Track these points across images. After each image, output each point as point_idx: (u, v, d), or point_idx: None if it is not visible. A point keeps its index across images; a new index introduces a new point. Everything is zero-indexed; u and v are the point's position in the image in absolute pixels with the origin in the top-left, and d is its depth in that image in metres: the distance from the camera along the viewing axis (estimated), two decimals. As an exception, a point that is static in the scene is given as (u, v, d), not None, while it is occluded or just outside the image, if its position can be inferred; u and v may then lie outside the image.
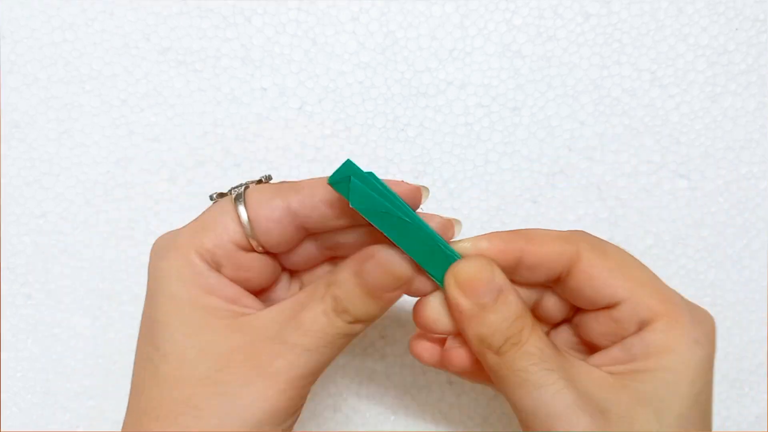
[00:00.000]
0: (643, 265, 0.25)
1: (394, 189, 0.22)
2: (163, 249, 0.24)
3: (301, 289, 0.27)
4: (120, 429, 0.24)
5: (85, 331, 0.35)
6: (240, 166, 0.35)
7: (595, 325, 0.25)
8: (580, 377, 0.23)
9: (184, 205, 0.35)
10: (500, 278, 0.23)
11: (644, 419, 0.22)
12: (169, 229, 0.35)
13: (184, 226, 0.25)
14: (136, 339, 0.35)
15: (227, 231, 0.23)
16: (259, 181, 0.25)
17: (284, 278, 0.27)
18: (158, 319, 0.23)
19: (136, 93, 0.35)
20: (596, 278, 0.24)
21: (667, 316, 0.23)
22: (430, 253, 0.23)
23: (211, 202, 0.25)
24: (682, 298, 0.25)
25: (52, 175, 0.35)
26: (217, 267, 0.24)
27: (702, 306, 0.25)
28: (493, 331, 0.23)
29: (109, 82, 0.35)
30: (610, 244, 0.25)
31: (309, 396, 0.35)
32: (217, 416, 0.21)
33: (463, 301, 0.23)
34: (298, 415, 0.24)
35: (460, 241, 0.24)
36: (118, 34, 0.35)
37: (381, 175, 0.35)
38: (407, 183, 0.24)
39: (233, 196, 0.24)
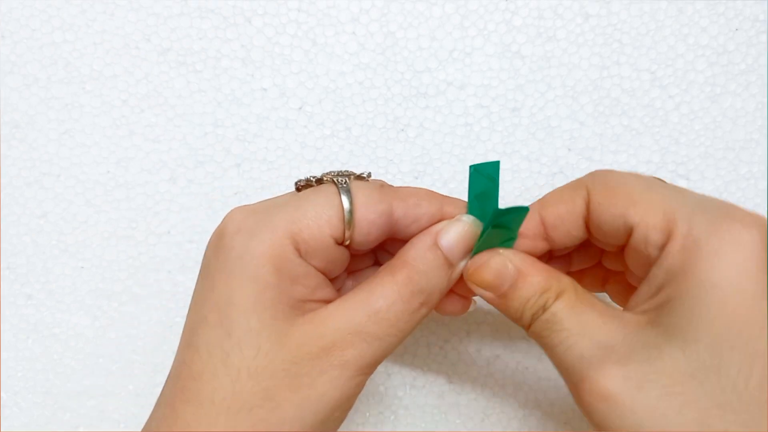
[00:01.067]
0: (657, 184, 0.23)
1: None
2: (253, 226, 0.23)
3: (348, 274, 0.28)
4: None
5: (85, 331, 0.35)
6: (240, 166, 0.35)
7: (629, 263, 0.24)
8: (603, 328, 0.22)
9: (184, 205, 0.35)
10: (513, 264, 0.24)
11: (669, 357, 0.20)
12: (169, 229, 0.36)
13: (273, 205, 0.24)
14: (136, 339, 0.35)
15: (330, 225, 0.23)
16: (359, 177, 0.25)
17: None
18: (234, 301, 0.22)
19: (137, 94, 0.35)
20: (604, 213, 0.23)
21: (681, 234, 0.21)
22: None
23: (303, 183, 0.25)
24: (713, 206, 0.21)
25: (53, 175, 0.35)
26: (306, 256, 0.23)
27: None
28: (518, 313, 0.24)
29: (110, 82, 0.35)
30: (620, 172, 0.24)
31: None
32: (293, 407, 0.22)
33: (485, 294, 0.24)
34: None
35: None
36: (119, 35, 0.35)
37: (381, 175, 0.35)
38: None
39: (339, 188, 0.23)
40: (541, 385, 0.35)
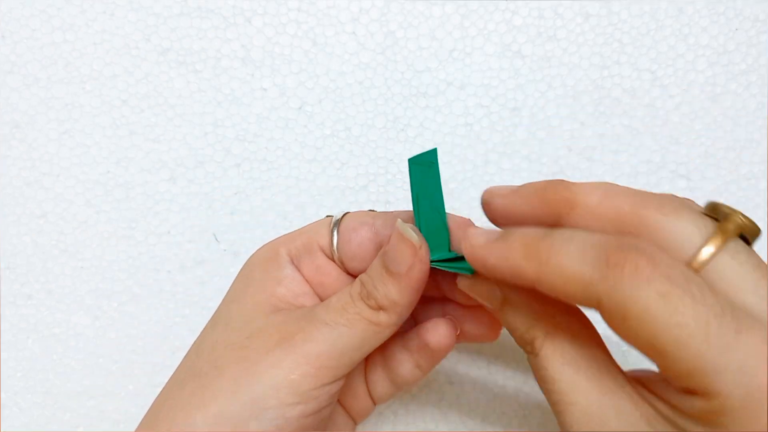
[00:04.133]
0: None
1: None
2: (262, 248, 0.28)
3: None
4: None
5: (85, 331, 0.35)
6: (240, 166, 0.35)
7: (629, 342, 0.18)
8: (604, 403, 0.19)
9: (184, 205, 0.35)
10: (500, 291, 0.23)
11: None
12: (169, 229, 0.36)
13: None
14: (136, 339, 0.35)
15: (319, 235, 0.26)
16: None
17: None
18: (228, 297, 0.27)
19: (137, 93, 0.35)
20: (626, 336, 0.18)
21: (707, 394, 0.17)
22: (441, 241, 0.26)
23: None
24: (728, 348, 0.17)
25: (52, 175, 0.35)
26: (298, 263, 0.26)
27: None
28: (513, 335, 0.23)
29: (110, 82, 0.35)
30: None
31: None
32: (233, 377, 0.23)
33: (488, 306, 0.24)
34: (330, 407, 0.25)
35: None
36: (119, 35, 0.35)
37: (381, 175, 0.35)
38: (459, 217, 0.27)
39: (335, 217, 0.27)
40: (542, 385, 0.35)
